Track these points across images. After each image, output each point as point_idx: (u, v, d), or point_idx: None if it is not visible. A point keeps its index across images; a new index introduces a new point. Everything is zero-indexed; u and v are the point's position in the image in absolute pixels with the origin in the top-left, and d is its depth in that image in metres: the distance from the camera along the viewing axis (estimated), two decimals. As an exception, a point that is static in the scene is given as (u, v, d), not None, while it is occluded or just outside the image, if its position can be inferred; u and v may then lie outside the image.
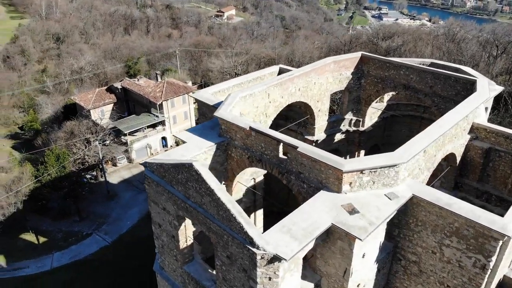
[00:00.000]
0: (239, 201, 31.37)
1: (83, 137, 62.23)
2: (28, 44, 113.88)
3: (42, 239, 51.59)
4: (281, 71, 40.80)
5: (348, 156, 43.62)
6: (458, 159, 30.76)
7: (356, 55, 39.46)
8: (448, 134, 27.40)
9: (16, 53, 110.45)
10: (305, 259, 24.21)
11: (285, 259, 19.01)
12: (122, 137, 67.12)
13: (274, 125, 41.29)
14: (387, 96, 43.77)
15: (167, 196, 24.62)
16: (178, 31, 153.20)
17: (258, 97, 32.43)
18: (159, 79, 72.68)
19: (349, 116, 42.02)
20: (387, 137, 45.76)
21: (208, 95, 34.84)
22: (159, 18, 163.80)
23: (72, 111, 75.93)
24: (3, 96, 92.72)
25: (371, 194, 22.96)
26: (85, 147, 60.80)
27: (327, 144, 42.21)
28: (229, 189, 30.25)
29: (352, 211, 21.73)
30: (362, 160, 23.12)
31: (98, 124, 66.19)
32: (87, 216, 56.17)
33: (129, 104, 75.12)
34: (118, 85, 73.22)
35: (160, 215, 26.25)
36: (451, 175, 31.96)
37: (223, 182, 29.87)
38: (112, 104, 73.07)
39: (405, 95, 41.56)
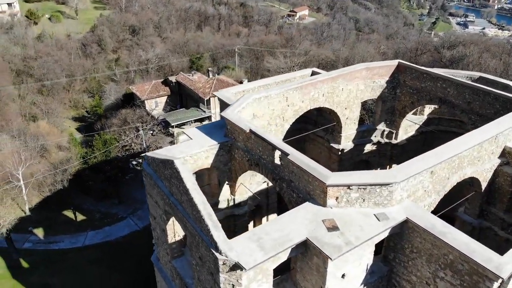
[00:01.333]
0: (243, 203, 31.04)
1: (134, 125, 65.39)
2: (105, 34, 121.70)
3: (80, 217, 55.11)
4: (313, 74, 39.60)
5: (379, 169, 41.37)
6: (484, 184, 27.81)
7: (393, 63, 37.21)
8: (467, 155, 24.85)
9: (93, 42, 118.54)
10: (288, 270, 23.39)
11: (244, 268, 18.45)
12: (170, 128, 69.49)
13: (304, 130, 40.46)
14: (428, 109, 40.83)
15: (157, 190, 25.02)
16: (248, 29, 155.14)
17: (274, 100, 31.79)
18: (211, 76, 74.19)
19: (381, 126, 39.78)
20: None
21: (230, 94, 34.68)
22: (231, 16, 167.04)
23: (130, 100, 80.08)
24: (75, 81, 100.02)
25: (359, 212, 21.50)
26: (134, 135, 63.82)
27: (355, 154, 40.38)
28: (232, 190, 30.04)
29: (332, 227, 20.49)
30: (351, 175, 21.67)
31: (150, 114, 69.16)
32: (126, 201, 58.99)
33: (182, 97, 77.56)
34: (173, 78, 75.97)
35: (154, 208, 26.78)
36: (476, 201, 29.01)
37: (227, 182, 29.72)
38: (166, 96, 75.91)
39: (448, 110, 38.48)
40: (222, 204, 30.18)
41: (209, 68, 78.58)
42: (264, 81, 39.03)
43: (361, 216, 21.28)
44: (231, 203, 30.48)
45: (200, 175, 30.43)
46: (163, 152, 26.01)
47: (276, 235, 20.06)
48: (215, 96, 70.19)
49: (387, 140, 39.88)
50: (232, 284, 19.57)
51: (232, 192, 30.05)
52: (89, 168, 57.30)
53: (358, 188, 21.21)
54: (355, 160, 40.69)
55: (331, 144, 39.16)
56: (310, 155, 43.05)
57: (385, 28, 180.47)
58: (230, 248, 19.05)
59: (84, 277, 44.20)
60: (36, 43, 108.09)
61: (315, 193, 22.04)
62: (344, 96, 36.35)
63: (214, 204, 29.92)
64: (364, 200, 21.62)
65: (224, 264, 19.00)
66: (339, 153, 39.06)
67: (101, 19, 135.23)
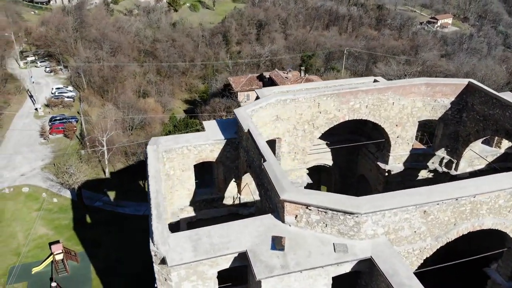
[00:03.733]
0: (250, 204, 30.22)
1: (219, 113, 68.29)
2: (231, 26, 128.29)
3: (151, 189, 59.51)
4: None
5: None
6: (518, 242, 22.44)
7: (461, 82, 32.03)
8: (486, 202, 20.31)
9: (220, 32, 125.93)
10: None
11: (167, 264, 18.16)
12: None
13: (356, 142, 37.56)
14: (507, 142, 34.28)
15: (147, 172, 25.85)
16: (377, 33, 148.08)
17: (303, 104, 30.09)
18: (302, 75, 72.99)
19: (441, 153, 34.72)
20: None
21: (271, 93, 33.88)
22: (362, 17, 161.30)
23: (228, 90, 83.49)
24: (194, 67, 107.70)
25: (317, 237, 19.31)
26: (217, 123, 66.69)
27: (407, 179, 36.01)
28: (238, 188, 29.49)
29: (277, 245, 18.80)
30: (311, 195, 19.44)
31: (239, 105, 71.36)
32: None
33: (275, 93, 77.99)
34: (267, 74, 76.90)
35: (151, 190, 27.75)
36: (509, 260, 23.58)
37: (234, 180, 29.27)
38: (259, 90, 77.25)
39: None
40: (228, 201, 29.85)
41: (301, 68, 77.43)
42: (311, 84, 37.34)
43: (317, 242, 19.08)
44: (237, 202, 29.93)
45: (213, 168, 30.59)
46: (162, 139, 26.80)
47: (218, 240, 19.22)
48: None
49: (445, 170, 34.63)
50: (165, 278, 19.41)
51: (238, 190, 29.50)
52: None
53: (318, 210, 19.00)
54: (406, 186, 36.12)
55: (378, 162, 35.60)
56: (360, 171, 40.25)
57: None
58: (164, 242, 18.87)
59: (131, 241, 47.59)
60: (168, 28, 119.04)
61: (278, 207, 20.44)
62: (395, 111, 32.56)
63: (219, 199, 29.81)
64: (326, 225, 19.31)
65: (155, 255, 18.94)
66: (386, 174, 35.29)
67: (232, 12, 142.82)
